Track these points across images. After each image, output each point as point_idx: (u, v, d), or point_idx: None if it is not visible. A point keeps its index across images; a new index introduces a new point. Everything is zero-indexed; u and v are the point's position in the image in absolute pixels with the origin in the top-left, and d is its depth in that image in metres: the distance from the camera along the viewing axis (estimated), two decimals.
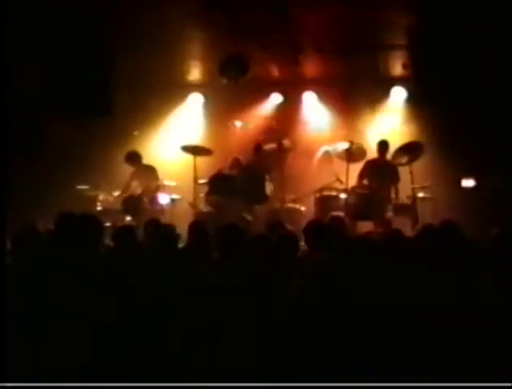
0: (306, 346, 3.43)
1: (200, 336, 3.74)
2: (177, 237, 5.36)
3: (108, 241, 5.51)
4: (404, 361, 3.42)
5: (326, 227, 5.62)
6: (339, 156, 9.47)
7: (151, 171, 9.97)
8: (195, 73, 10.68)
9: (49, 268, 4.32)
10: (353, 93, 10.49)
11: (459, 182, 9.93)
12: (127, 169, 10.12)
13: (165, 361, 3.66)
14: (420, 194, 8.97)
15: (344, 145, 9.29)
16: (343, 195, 9.05)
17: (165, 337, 3.76)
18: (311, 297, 3.60)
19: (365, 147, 9.47)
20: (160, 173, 10.01)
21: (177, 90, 10.99)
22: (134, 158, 10.05)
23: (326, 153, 10.06)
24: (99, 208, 9.50)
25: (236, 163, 9.75)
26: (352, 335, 3.46)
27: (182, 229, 5.63)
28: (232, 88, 9.52)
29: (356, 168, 9.40)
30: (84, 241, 4.73)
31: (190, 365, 3.62)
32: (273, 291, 3.96)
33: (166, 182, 9.83)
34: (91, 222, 4.98)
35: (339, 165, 9.55)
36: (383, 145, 9.44)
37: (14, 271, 4.27)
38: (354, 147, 9.22)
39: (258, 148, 9.81)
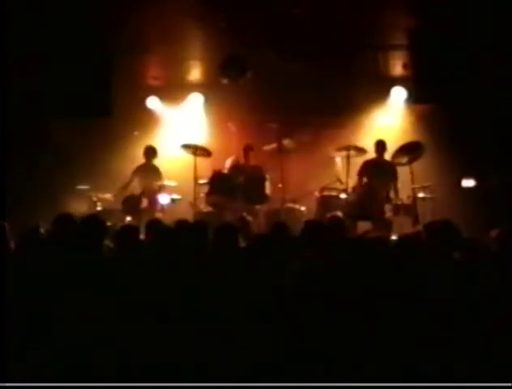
0: (301, 345, 3.44)
1: (199, 336, 3.74)
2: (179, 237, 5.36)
3: (108, 241, 5.50)
4: (403, 361, 3.42)
5: (322, 227, 5.61)
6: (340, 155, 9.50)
7: (155, 171, 9.97)
8: (195, 73, 10.67)
9: (50, 269, 4.32)
10: (353, 93, 10.48)
11: (459, 182, 9.94)
12: (127, 169, 10.12)
13: (165, 361, 3.66)
14: (420, 194, 8.96)
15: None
16: (343, 195, 9.05)
17: (165, 337, 3.77)
18: (303, 297, 3.60)
19: (364, 147, 9.46)
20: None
21: (177, 90, 10.98)
22: (151, 153, 10.05)
23: (328, 152, 10.04)
24: (99, 208, 9.50)
25: (236, 163, 9.75)
26: (345, 335, 3.46)
27: None
28: (233, 88, 9.51)
29: (356, 168, 9.40)
30: (86, 242, 4.74)
31: (190, 364, 3.62)
32: (272, 291, 3.96)
33: (166, 182, 9.83)
34: (94, 222, 4.98)
35: (340, 166, 9.55)
36: (380, 145, 9.45)
37: (16, 271, 4.28)
38: (352, 150, 9.24)
39: (248, 149, 9.77)
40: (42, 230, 5.33)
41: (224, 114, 10.80)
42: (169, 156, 10.42)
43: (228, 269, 4.50)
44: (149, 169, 10.01)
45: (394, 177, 9.19)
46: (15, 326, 3.76)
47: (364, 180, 9.22)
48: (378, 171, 9.19)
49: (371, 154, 9.51)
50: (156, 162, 10.13)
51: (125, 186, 9.74)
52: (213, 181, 9.26)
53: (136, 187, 9.86)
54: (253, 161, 9.75)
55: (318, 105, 10.48)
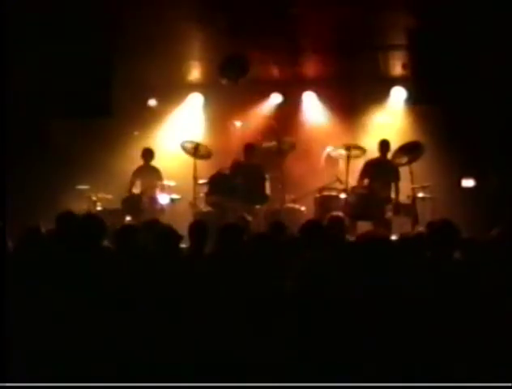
0: (301, 345, 3.44)
1: (199, 336, 3.74)
2: (178, 237, 5.36)
3: (108, 241, 5.50)
4: (404, 361, 3.42)
5: (322, 226, 5.61)
6: (340, 156, 9.49)
7: (155, 172, 9.96)
8: (195, 73, 10.68)
9: (52, 269, 4.32)
10: (353, 93, 10.49)
11: (459, 182, 9.94)
12: (127, 169, 10.13)
13: (165, 361, 3.66)
14: (420, 194, 8.96)
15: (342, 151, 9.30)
16: (343, 195, 9.04)
17: (165, 336, 3.77)
18: (303, 297, 3.60)
19: (364, 147, 9.45)
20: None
21: (177, 90, 10.99)
22: (149, 155, 10.06)
23: (331, 152, 10.03)
24: (99, 208, 9.50)
25: (236, 163, 9.75)
26: (343, 335, 3.46)
27: (182, 229, 5.63)
28: (232, 88, 9.52)
29: (356, 168, 9.39)
30: (87, 241, 4.73)
31: (190, 364, 3.62)
32: (271, 291, 3.96)
33: (166, 182, 9.83)
34: (93, 221, 4.98)
35: (342, 165, 9.54)
36: (384, 144, 9.43)
37: (17, 271, 4.28)
38: (352, 149, 9.22)
39: (248, 148, 9.77)
40: (43, 230, 5.33)
41: (224, 114, 10.81)
42: (169, 156, 10.43)
43: (229, 269, 4.50)
44: (148, 171, 10.02)
45: (396, 177, 9.18)
46: (15, 326, 3.76)
47: (366, 181, 9.21)
48: (381, 171, 9.18)
49: (371, 154, 9.50)
50: (154, 163, 10.13)
51: (130, 191, 9.75)
52: (213, 181, 9.25)
53: (137, 187, 9.88)
54: (253, 160, 9.73)
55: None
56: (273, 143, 9.84)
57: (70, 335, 3.74)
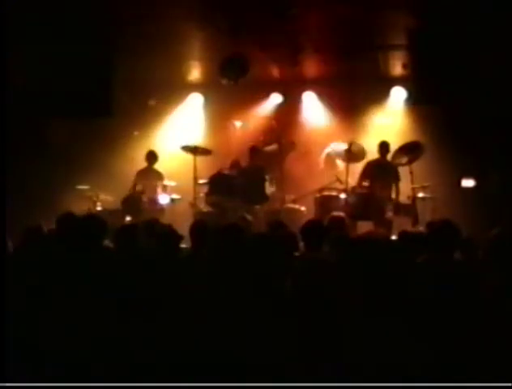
0: (301, 345, 3.44)
1: (199, 336, 3.74)
2: (178, 237, 5.36)
3: (108, 241, 5.50)
4: (403, 361, 3.42)
5: (323, 226, 5.61)
6: (340, 156, 9.50)
7: (157, 174, 9.96)
8: (195, 73, 10.69)
9: (52, 268, 4.32)
10: (353, 93, 10.49)
11: (459, 182, 9.94)
12: (127, 169, 10.13)
13: (165, 361, 3.66)
14: (420, 194, 8.97)
15: (344, 146, 9.31)
16: (343, 195, 9.05)
17: (165, 337, 3.77)
18: (304, 297, 3.60)
19: (365, 148, 9.45)
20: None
21: (177, 90, 10.99)
22: (153, 157, 10.04)
23: (330, 154, 10.04)
24: (99, 208, 9.50)
25: (235, 163, 9.76)
26: (343, 335, 3.46)
27: (182, 229, 5.63)
28: (232, 88, 9.52)
29: (356, 168, 9.40)
30: (87, 241, 4.73)
31: (190, 364, 3.62)
32: (271, 291, 3.96)
33: (166, 182, 9.84)
34: (94, 221, 4.98)
35: (344, 166, 9.54)
36: (384, 146, 9.43)
37: (17, 271, 4.28)
38: (354, 147, 9.23)
39: (253, 150, 9.81)
40: (45, 229, 5.33)
41: (224, 114, 10.82)
42: (169, 156, 10.43)
43: (229, 269, 4.50)
44: (151, 173, 10.03)
45: (396, 178, 9.19)
46: (15, 326, 3.76)
47: (365, 183, 9.21)
48: (381, 172, 9.18)
49: (371, 154, 9.51)
50: (157, 165, 10.14)
51: (131, 192, 9.75)
52: (213, 181, 9.27)
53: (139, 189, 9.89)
54: (257, 162, 9.75)
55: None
56: (275, 146, 9.85)
57: (70, 335, 3.74)
